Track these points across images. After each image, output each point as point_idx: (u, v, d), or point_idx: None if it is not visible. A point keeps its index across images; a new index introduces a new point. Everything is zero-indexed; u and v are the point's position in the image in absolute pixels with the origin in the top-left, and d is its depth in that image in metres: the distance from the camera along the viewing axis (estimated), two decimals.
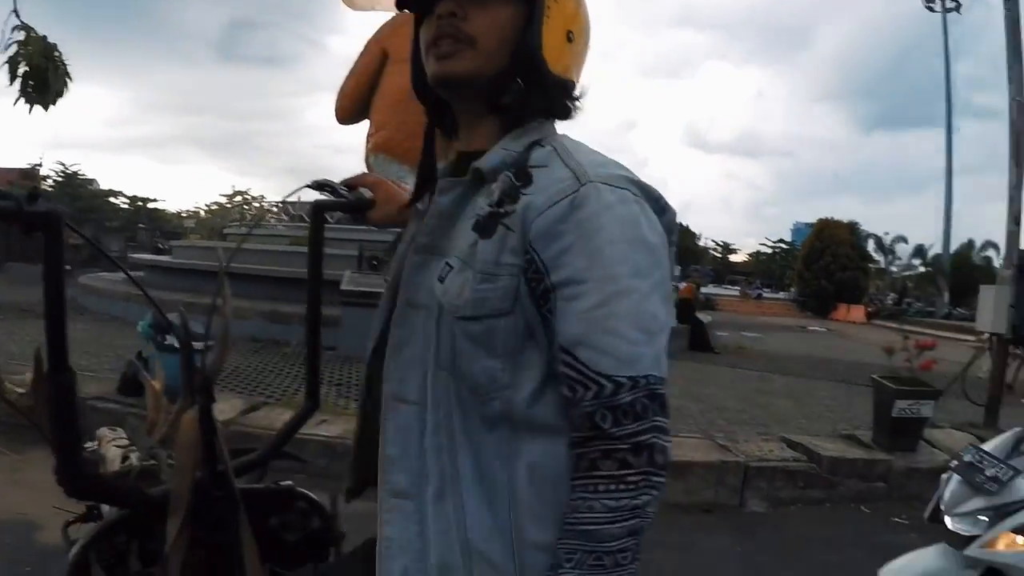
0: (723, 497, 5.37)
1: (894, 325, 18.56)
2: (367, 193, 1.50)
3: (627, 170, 1.10)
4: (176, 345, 5.42)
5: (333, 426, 5.33)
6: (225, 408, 5.23)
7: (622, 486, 0.96)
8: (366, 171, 1.58)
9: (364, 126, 8.97)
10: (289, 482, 1.63)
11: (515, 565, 1.05)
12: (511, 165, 1.09)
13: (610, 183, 1.04)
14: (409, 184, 1.39)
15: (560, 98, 1.17)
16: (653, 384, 0.99)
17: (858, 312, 30.95)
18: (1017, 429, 3.00)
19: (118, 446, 1.63)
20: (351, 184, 1.50)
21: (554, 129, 1.18)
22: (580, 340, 0.99)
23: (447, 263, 1.10)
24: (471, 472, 1.07)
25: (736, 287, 52.81)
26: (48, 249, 1.04)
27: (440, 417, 1.08)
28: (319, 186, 1.50)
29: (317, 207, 1.54)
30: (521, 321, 1.04)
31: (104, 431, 1.73)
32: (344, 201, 1.50)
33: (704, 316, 14.24)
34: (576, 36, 1.17)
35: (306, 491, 1.65)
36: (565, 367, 1.00)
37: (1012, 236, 7.52)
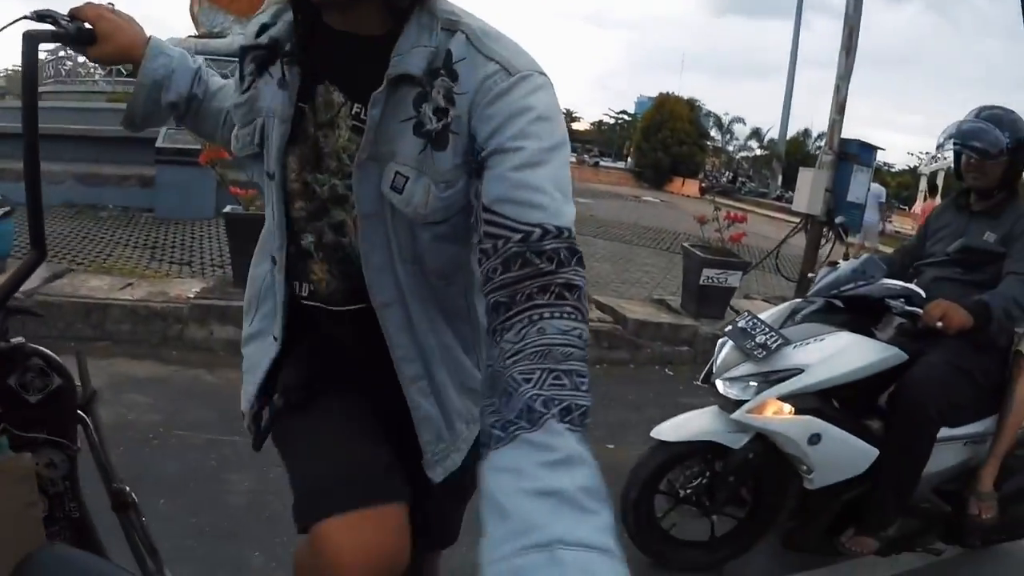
0: None
1: (725, 201, 19.35)
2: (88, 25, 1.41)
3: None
4: None
5: (138, 290, 5.14)
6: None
7: (566, 312, 0.96)
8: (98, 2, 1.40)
9: None
10: (20, 339, 1.56)
11: None
12: (436, 65, 1.13)
13: (532, 70, 1.12)
14: (235, 36, 1.30)
15: None
16: (572, 240, 1.03)
17: (692, 187, 32.11)
18: (795, 300, 3.12)
19: None
20: (75, 15, 1.41)
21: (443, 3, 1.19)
22: (505, 197, 1.03)
23: (398, 172, 1.16)
24: (453, 338, 1.35)
25: (574, 154, 53.30)
26: None
27: (417, 304, 1.28)
28: (39, 16, 1.38)
29: (29, 37, 1.40)
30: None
31: None
32: (62, 32, 1.40)
33: None
34: None
35: (40, 347, 1.59)
36: (489, 225, 1.03)
37: (835, 124, 7.87)
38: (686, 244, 6.74)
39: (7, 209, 5.68)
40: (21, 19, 1.41)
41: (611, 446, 4.09)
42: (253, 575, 2.67)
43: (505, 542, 0.71)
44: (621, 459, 3.13)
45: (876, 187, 10.94)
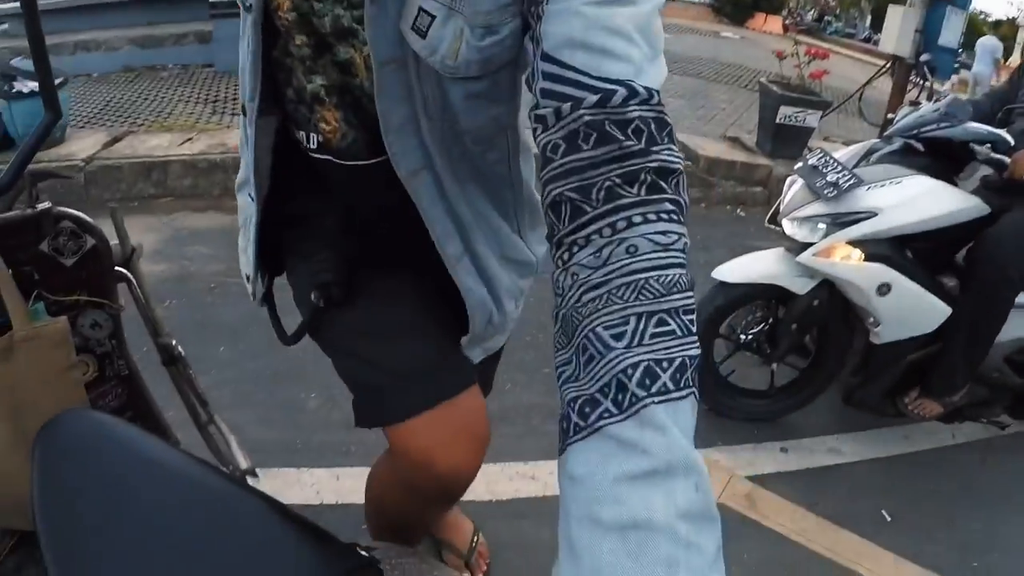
0: None
1: (809, 39, 18.23)
2: None
3: None
4: (24, 91, 5.04)
5: (197, 144, 5.14)
6: (86, 145, 5.00)
7: (664, 212, 0.68)
8: None
9: None
10: (46, 203, 1.53)
11: (534, 257, 1.31)
12: None
13: None
14: None
15: None
16: (662, 109, 0.73)
17: (775, 23, 30.27)
18: (873, 140, 2.88)
19: None
20: None
21: None
22: (577, 41, 0.73)
23: (422, 9, 0.89)
24: (488, 204, 1.18)
25: None
26: None
27: (448, 170, 1.08)
28: None
29: None
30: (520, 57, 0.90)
31: None
32: None
33: None
34: None
35: (69, 210, 1.57)
36: (549, 81, 0.74)
37: None
38: (763, 80, 6.36)
39: (61, 79, 5.73)
40: None
41: None
42: (309, 416, 2.75)
43: None
44: None
45: (991, 40, 10.13)
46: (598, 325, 0.63)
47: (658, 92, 0.73)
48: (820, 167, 2.63)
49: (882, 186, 2.52)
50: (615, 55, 0.72)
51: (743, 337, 2.83)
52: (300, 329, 1.33)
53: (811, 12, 40.16)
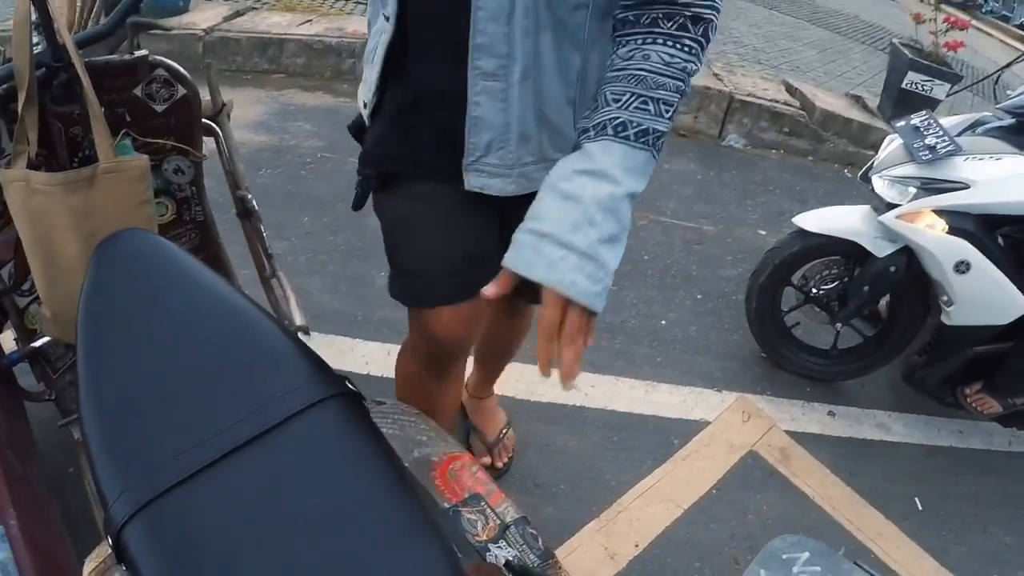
0: (702, 125, 5.31)
1: (961, 15, 16.95)
2: None
3: None
4: None
5: (315, 26, 5.21)
6: (209, 16, 5.13)
7: (679, 45, 1.01)
8: None
9: None
10: (144, 51, 1.64)
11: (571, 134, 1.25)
12: None
13: None
14: None
15: None
16: None
17: None
18: (984, 113, 2.70)
19: None
20: None
21: None
22: None
23: None
24: (551, 54, 1.14)
25: None
26: None
27: (530, 1, 1.09)
28: None
29: None
30: None
31: None
32: None
33: None
34: None
35: (165, 60, 1.66)
36: None
37: None
38: (895, 40, 6.03)
39: None
40: None
41: (763, 232, 3.99)
42: (373, 291, 2.89)
43: (524, 220, 1.02)
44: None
45: None
46: (608, 91, 1.02)
47: None
48: (922, 128, 2.50)
49: (980, 159, 2.38)
50: None
51: (814, 291, 2.76)
52: (359, 199, 1.42)
53: None
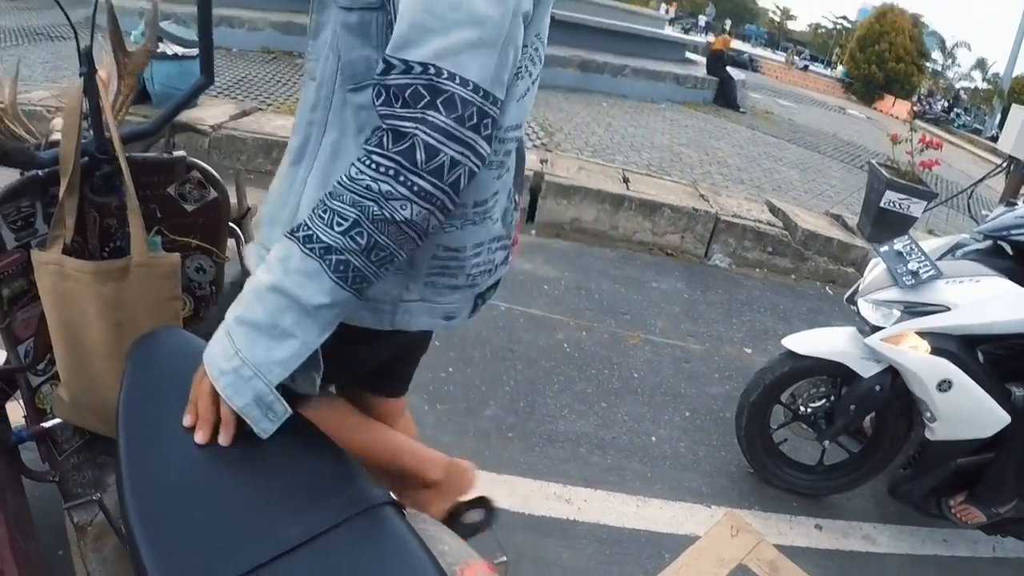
0: (689, 245, 5.51)
1: (933, 130, 17.74)
2: None
3: None
4: (168, 52, 5.40)
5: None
6: (216, 113, 5.34)
7: (368, 163, 0.93)
8: None
9: None
10: (182, 152, 1.72)
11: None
12: None
13: None
14: None
15: None
16: (437, 78, 0.91)
17: (903, 108, 29.37)
18: (961, 235, 2.87)
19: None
20: None
21: None
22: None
23: None
24: (329, 149, 1.12)
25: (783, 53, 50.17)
26: None
27: (323, 94, 1.12)
28: None
29: None
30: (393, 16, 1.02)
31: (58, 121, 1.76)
32: None
33: (737, 73, 13.55)
34: None
35: (200, 162, 1.75)
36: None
37: None
38: (873, 161, 6.30)
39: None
40: None
41: (748, 350, 4.09)
42: None
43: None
44: (759, 365, 3.06)
45: None
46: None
47: (431, 64, 0.92)
48: (904, 253, 2.64)
49: (960, 282, 2.51)
50: (395, 34, 0.94)
51: (802, 409, 2.84)
52: None
53: (941, 102, 39.13)
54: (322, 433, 1.05)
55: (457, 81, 0.92)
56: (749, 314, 4.64)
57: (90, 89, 1.46)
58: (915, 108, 29.53)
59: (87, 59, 1.45)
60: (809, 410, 2.83)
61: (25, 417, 1.76)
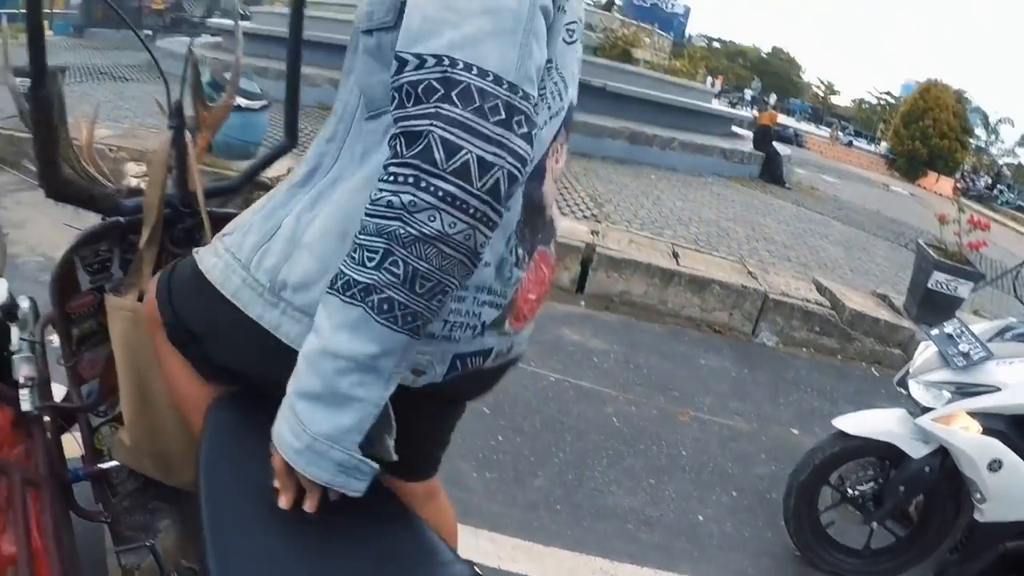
0: (737, 322, 5.54)
1: (978, 207, 17.63)
2: None
3: None
4: (233, 104, 5.59)
5: None
6: (279, 167, 5.37)
7: (385, 178, 0.85)
8: None
9: None
10: None
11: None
12: None
13: None
14: None
15: None
16: (451, 68, 0.84)
17: (947, 184, 29.25)
18: (1011, 319, 2.92)
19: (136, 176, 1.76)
20: None
21: None
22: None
23: None
24: (334, 174, 1.11)
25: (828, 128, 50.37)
26: None
27: (341, 127, 1.13)
28: None
29: None
30: None
31: (132, 165, 1.85)
32: None
33: (783, 148, 13.67)
34: None
35: None
36: None
37: None
38: (921, 241, 6.32)
39: (264, 103, 6.26)
40: None
41: (795, 431, 4.08)
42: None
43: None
44: (805, 445, 3.10)
45: None
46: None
47: (444, 56, 0.85)
48: (955, 336, 2.70)
49: (1010, 363, 2.56)
50: (405, 28, 0.89)
51: (850, 491, 2.86)
52: None
53: (984, 179, 38.85)
54: (400, 500, 1.07)
55: (475, 72, 0.84)
56: (796, 394, 4.65)
57: (178, 143, 1.51)
58: (958, 185, 29.32)
59: (178, 114, 1.51)
60: (857, 492, 2.84)
61: (82, 457, 1.73)
